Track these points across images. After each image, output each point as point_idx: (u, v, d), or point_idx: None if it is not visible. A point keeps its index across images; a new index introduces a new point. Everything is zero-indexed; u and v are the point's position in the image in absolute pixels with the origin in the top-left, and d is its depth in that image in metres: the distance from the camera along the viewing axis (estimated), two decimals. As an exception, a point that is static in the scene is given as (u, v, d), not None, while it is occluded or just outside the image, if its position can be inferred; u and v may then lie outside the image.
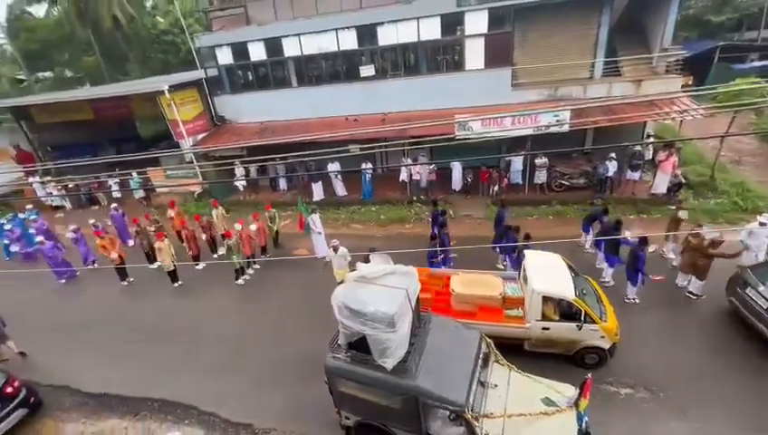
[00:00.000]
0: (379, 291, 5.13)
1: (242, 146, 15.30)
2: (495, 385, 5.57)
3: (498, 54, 13.49)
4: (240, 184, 16.51)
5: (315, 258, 11.24)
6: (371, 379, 5.11)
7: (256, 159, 14.10)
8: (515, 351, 6.88)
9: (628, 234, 8.54)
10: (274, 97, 16.22)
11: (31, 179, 18.71)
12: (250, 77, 16.78)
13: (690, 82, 17.54)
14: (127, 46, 29.82)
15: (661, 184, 12.36)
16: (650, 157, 13.65)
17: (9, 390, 6.95)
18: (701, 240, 8.05)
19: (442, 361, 5.26)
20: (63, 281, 11.99)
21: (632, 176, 12.99)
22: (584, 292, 7.00)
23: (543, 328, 6.81)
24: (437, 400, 4.88)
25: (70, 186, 17.85)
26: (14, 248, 13.18)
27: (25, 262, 13.25)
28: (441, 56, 14.51)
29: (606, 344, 6.75)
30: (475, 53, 13.68)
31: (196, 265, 11.63)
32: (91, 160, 15.42)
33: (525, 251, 7.73)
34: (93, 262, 12.41)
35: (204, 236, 12.00)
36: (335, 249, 9.24)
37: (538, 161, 13.14)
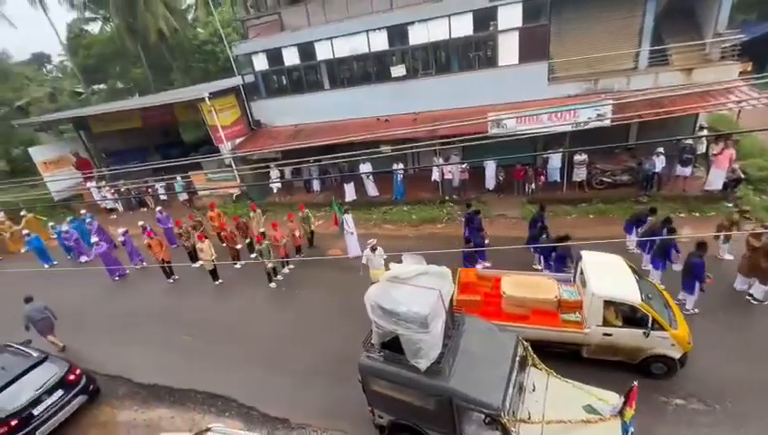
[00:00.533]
0: (412, 291, 5.11)
1: (277, 149, 15.81)
2: (533, 390, 5.40)
3: (533, 48, 13.05)
4: (275, 186, 17.03)
5: (348, 258, 11.38)
6: (404, 379, 5.10)
7: (291, 162, 14.50)
8: (570, 358, 6.56)
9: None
10: (308, 100, 16.60)
11: (89, 184, 20.25)
12: (284, 82, 17.27)
13: (749, 69, 16.11)
14: (171, 57, 31.62)
15: (716, 180, 11.45)
16: (703, 151, 12.70)
17: (71, 378, 7.56)
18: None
19: (477, 363, 5.16)
20: (116, 279, 12.89)
21: (682, 171, 12.13)
22: (650, 296, 6.51)
23: (605, 334, 6.38)
24: (472, 402, 4.79)
25: (121, 190, 19.22)
26: (94, 240, 13.99)
27: (80, 262, 14.35)
28: (473, 53, 14.24)
29: (676, 354, 6.22)
30: (508, 49, 13.31)
31: (235, 264, 12.13)
32: (139, 166, 16.54)
33: (582, 252, 7.24)
34: (141, 261, 13.24)
35: (238, 238, 12.47)
36: (373, 249, 9.18)
37: (577, 158, 12.58)
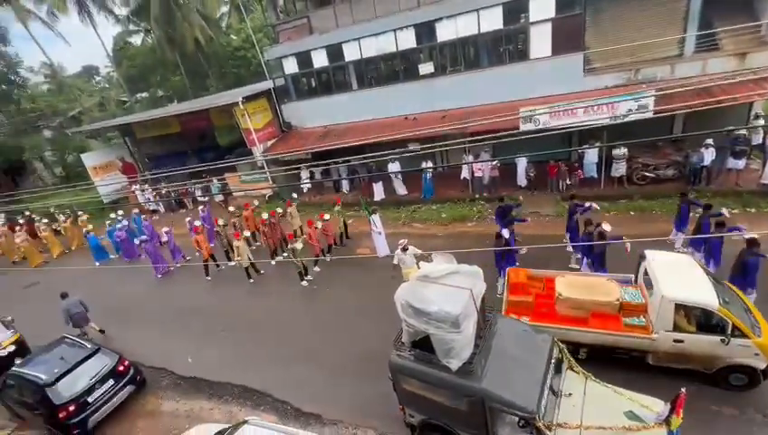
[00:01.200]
0: (443, 290, 5.06)
1: (307, 151, 16.14)
2: (570, 394, 5.21)
3: (567, 39, 12.55)
4: (305, 186, 17.41)
5: (377, 257, 11.44)
6: (436, 378, 5.07)
7: (320, 163, 14.75)
8: (630, 365, 6.21)
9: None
10: (336, 101, 16.82)
11: (133, 187, 21.54)
12: (313, 84, 17.59)
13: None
14: (206, 64, 33.02)
15: (774, 172, 10.57)
16: (759, 141, 11.74)
17: (121, 368, 8.07)
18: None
19: (510, 364, 5.04)
20: (159, 276, 13.63)
21: (735, 164, 11.27)
22: (727, 300, 5.92)
23: (676, 341, 5.87)
24: (506, 404, 4.69)
25: (163, 192, 20.31)
26: (142, 238, 14.90)
27: (128, 259, 15.30)
28: (503, 47, 13.90)
29: (761, 364, 5.63)
30: (541, 40, 12.88)
31: (271, 261, 12.48)
32: (179, 170, 17.40)
33: (646, 251, 6.77)
34: (183, 257, 13.92)
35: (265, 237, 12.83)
36: (404, 249, 9.04)
37: (616, 152, 11.98)
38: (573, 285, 6.74)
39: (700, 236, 7.96)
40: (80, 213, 18.58)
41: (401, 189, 15.60)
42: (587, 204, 9.31)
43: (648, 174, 12.18)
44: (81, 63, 47.58)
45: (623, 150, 11.91)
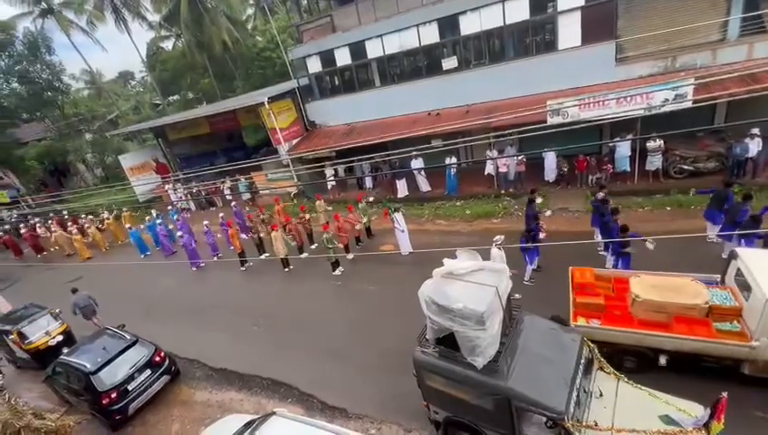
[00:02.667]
0: (467, 288, 5.01)
1: (330, 149, 16.32)
2: (600, 395, 5.04)
3: (598, 28, 12.05)
4: (329, 184, 17.63)
5: (401, 254, 11.46)
6: (460, 376, 5.03)
7: (344, 161, 14.88)
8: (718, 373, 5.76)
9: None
10: (360, 98, 16.89)
11: (167, 187, 22.50)
12: (336, 82, 17.73)
13: None
14: (233, 66, 33.91)
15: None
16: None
17: (157, 359, 8.49)
18: None
19: (537, 363, 4.93)
20: (195, 269, 14.18)
21: (784, 155, 10.52)
22: None
23: None
24: (533, 404, 4.60)
25: (194, 191, 21.10)
26: (179, 234, 15.47)
27: (166, 254, 16.01)
28: (530, 38, 13.50)
29: None
30: (569, 30, 12.43)
31: (300, 256, 12.76)
32: (209, 169, 18.04)
33: (737, 250, 6.27)
34: (217, 254, 14.41)
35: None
36: (499, 247, 8.22)
37: (650, 145, 11.42)
38: (652, 287, 6.15)
39: (738, 233, 7.46)
40: (124, 209, 19.69)
41: (425, 186, 15.52)
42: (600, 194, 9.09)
43: (686, 167, 11.55)
44: (117, 69, 50.01)
45: (658, 142, 11.34)
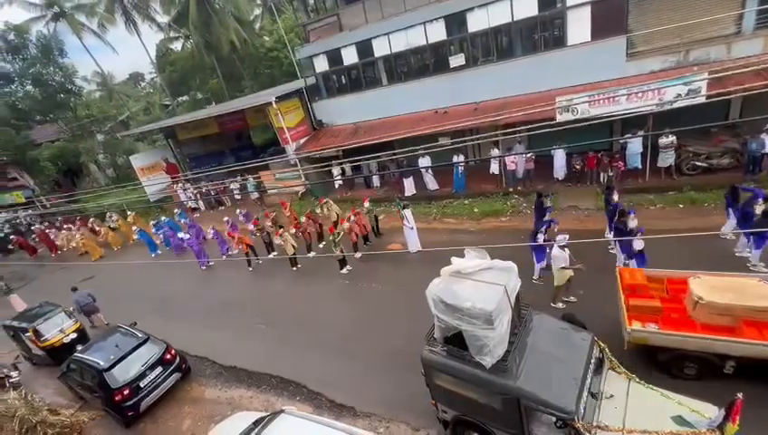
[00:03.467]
0: (476, 286, 4.97)
1: (337, 148, 16.35)
2: (611, 395, 4.98)
3: (609, 22, 11.87)
4: (337, 183, 17.66)
5: (409, 252, 11.44)
6: (469, 375, 5.00)
7: (351, 160, 14.90)
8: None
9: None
10: (366, 97, 16.88)
11: (176, 186, 22.76)
12: (343, 81, 17.74)
13: None
14: (241, 66, 34.17)
15: None
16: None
17: (168, 357, 8.60)
18: None
19: (547, 363, 4.89)
20: (204, 268, 14.34)
21: (802, 151, 10.24)
22: None
23: None
24: (542, 404, 4.56)
25: (203, 190, 21.32)
26: (182, 236, 15.65)
27: (177, 252, 16.21)
28: (538, 34, 13.35)
29: None
30: (579, 25, 12.26)
31: (308, 254, 12.82)
32: (218, 169, 18.21)
33: None
34: (228, 251, 14.53)
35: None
36: (562, 247, 7.61)
37: (663, 141, 11.21)
38: (716, 288, 5.80)
39: (755, 231, 7.30)
40: (128, 212, 19.97)
41: (432, 184, 15.46)
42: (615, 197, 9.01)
43: (699, 163, 11.32)
44: (128, 71, 50.78)
45: (671, 139, 11.13)
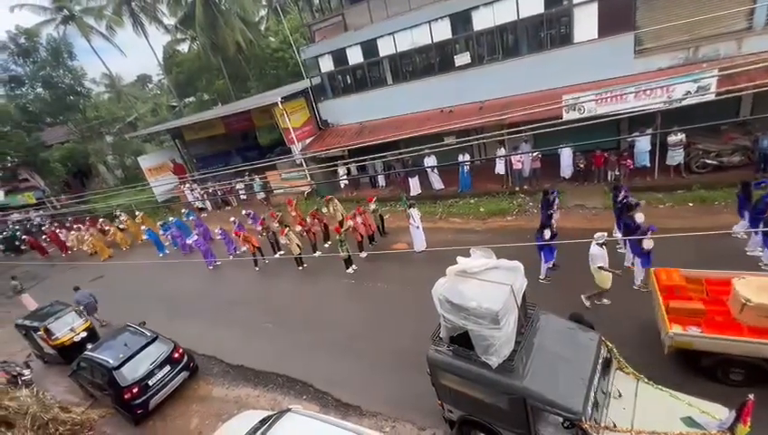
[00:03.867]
0: (481, 286, 4.96)
1: (343, 148, 16.38)
2: (619, 395, 4.94)
3: (616, 19, 11.76)
4: (342, 183, 17.71)
5: (415, 252, 11.43)
6: (475, 375, 4.99)
7: (356, 160, 14.91)
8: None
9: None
10: (371, 97, 16.89)
11: (184, 187, 22.97)
12: (349, 81, 17.76)
13: None
14: (247, 67, 34.39)
15: None
16: None
17: (176, 356, 8.68)
18: None
19: (554, 363, 4.86)
20: (211, 268, 14.47)
21: (815, 148, 10.06)
22: None
23: None
24: (549, 404, 4.53)
25: (210, 191, 21.49)
26: (191, 239, 15.80)
27: (185, 253, 16.37)
28: (544, 32, 13.25)
29: None
30: (586, 22, 12.17)
31: (314, 254, 12.88)
32: (224, 169, 18.33)
33: None
34: (235, 250, 14.65)
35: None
36: (602, 243, 7.20)
37: (672, 139, 11.07)
38: (763, 289, 5.49)
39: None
40: (137, 212, 20.20)
41: (438, 184, 15.43)
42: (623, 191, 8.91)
43: (709, 161, 11.17)
44: (135, 73, 51.27)
45: (680, 136, 10.98)
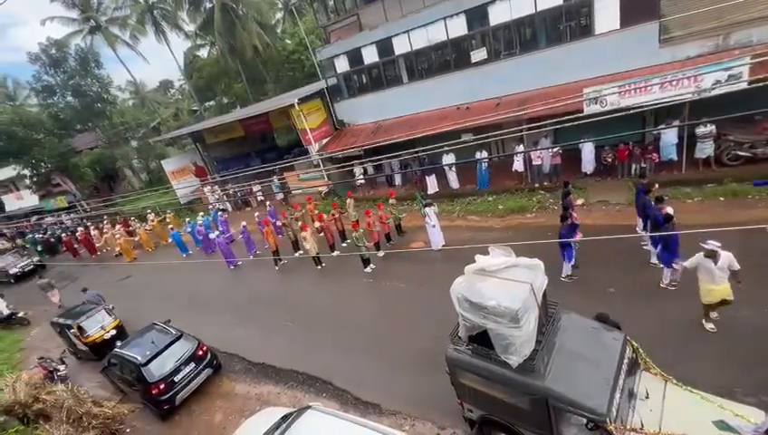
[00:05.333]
0: (501, 284, 4.89)
1: (359, 147, 16.44)
2: (646, 396, 4.78)
3: (639, 8, 11.34)
4: (359, 182, 17.78)
5: (432, 250, 11.37)
6: (495, 374, 4.93)
7: (372, 159, 14.94)
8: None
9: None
10: (387, 96, 16.88)
11: (205, 189, 23.58)
12: (364, 80, 17.80)
13: None
14: (264, 70, 34.97)
15: None
16: None
17: (200, 353, 8.92)
18: None
19: (577, 363, 4.74)
20: (232, 268, 14.80)
21: None
22: None
23: None
24: (572, 405, 4.43)
25: (230, 192, 21.97)
26: (213, 235, 16.19)
27: (205, 253, 16.80)
28: (563, 24, 12.91)
29: None
30: (607, 12, 11.78)
31: (332, 254, 13.00)
32: (244, 171, 18.67)
33: None
34: (255, 251, 14.95)
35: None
36: (709, 255, 6.07)
37: (701, 130, 10.60)
38: None
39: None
40: (168, 211, 20.92)
41: (455, 182, 15.29)
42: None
43: (742, 153, 10.65)
44: (158, 79, 52.97)
45: (710, 128, 10.51)
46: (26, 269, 20.79)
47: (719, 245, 6.03)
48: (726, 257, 6.01)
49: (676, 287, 7.45)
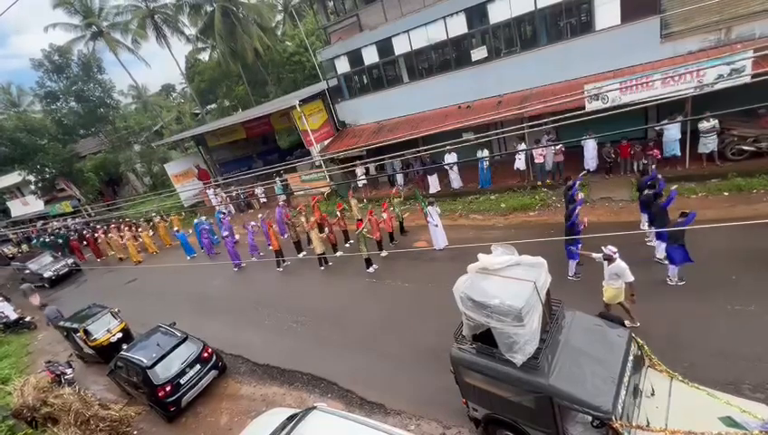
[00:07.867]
0: (504, 283, 4.88)
1: (360, 148, 16.46)
2: (652, 394, 4.76)
3: (640, 3, 11.30)
4: (361, 182, 17.79)
5: (434, 250, 11.37)
6: (499, 373, 4.92)
7: (374, 160, 14.95)
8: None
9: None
10: (388, 96, 16.89)
11: (208, 192, 23.67)
12: (365, 81, 17.82)
13: None
14: (265, 72, 35.08)
15: None
16: None
17: (205, 355, 8.96)
18: None
19: (581, 360, 4.73)
20: (236, 269, 14.85)
21: None
22: None
23: None
24: (577, 402, 4.42)
25: (233, 195, 22.06)
26: (218, 238, 16.25)
27: (210, 255, 16.88)
28: (563, 21, 12.87)
29: None
30: (607, 8, 11.74)
31: (336, 254, 13.02)
32: (246, 173, 18.78)
33: None
34: (258, 253, 14.96)
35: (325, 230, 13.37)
36: (608, 260, 6.49)
37: (704, 125, 10.56)
38: None
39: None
40: (172, 213, 21.01)
41: (456, 182, 15.27)
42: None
43: (746, 147, 10.58)
44: (160, 83, 53.27)
45: (713, 123, 10.46)
46: (61, 272, 20.07)
47: (615, 251, 6.41)
48: (617, 266, 6.36)
49: (684, 283, 7.42)
